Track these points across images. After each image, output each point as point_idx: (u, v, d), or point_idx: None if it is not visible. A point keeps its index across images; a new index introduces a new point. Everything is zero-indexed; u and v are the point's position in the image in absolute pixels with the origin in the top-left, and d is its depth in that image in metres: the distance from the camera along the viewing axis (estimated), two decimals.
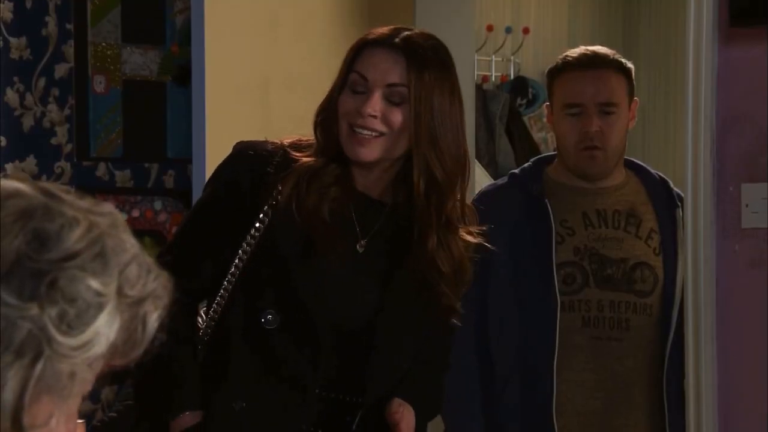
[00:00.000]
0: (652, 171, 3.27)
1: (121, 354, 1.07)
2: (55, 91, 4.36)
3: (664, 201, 3.18)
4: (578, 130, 3.04)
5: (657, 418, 3.12)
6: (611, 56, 3.12)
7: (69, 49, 4.38)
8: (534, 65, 5.60)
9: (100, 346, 1.05)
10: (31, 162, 4.30)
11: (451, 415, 3.03)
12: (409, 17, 3.55)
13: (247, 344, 2.32)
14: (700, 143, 3.46)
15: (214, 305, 2.37)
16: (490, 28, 5.53)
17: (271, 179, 2.33)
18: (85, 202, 1.08)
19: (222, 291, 2.36)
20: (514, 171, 3.17)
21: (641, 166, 3.26)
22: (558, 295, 2.99)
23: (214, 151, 3.00)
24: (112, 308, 1.05)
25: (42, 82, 4.34)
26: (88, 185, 4.35)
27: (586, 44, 6.38)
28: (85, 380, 1.06)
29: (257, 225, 2.32)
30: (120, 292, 1.06)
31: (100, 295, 1.04)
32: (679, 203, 3.17)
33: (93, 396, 4.39)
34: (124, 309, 1.06)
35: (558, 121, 3.08)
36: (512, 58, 5.57)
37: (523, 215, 3.03)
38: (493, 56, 5.51)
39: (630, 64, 3.18)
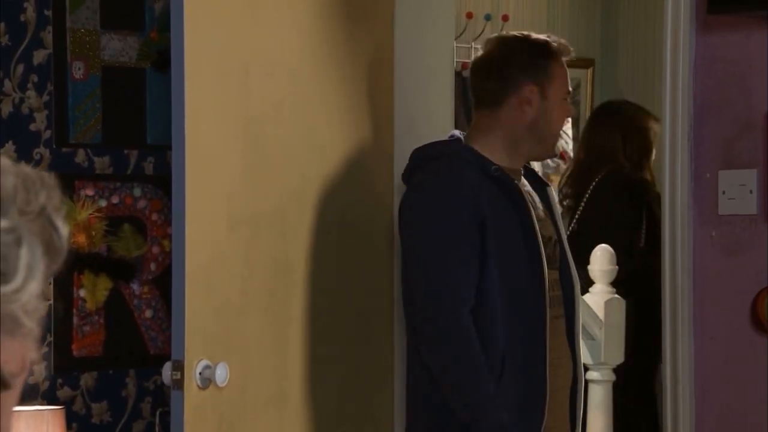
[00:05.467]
0: None
1: (51, 266, 1.08)
2: (34, 77, 4.35)
3: (533, 182, 3.25)
4: (566, 117, 3.21)
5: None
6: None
7: (47, 35, 4.37)
8: None
9: (38, 276, 1.06)
10: (9, 148, 4.29)
11: (472, 386, 3.02)
12: (389, 4, 3.56)
13: None
14: (677, 130, 3.48)
15: None
16: (469, 16, 5.54)
17: None
18: None
19: None
20: (450, 153, 3.11)
21: None
22: (546, 273, 3.06)
23: (194, 137, 3.00)
24: (26, 234, 1.06)
25: (20, 68, 4.32)
26: (67, 171, 4.34)
27: (564, 32, 6.37)
28: (38, 308, 1.07)
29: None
30: (22, 213, 1.06)
31: (12, 231, 1.05)
32: (549, 183, 3.31)
33: (72, 383, 4.39)
34: (32, 224, 1.07)
35: (555, 106, 3.12)
36: None
37: (496, 193, 3.06)
38: (473, 43, 5.52)
39: None
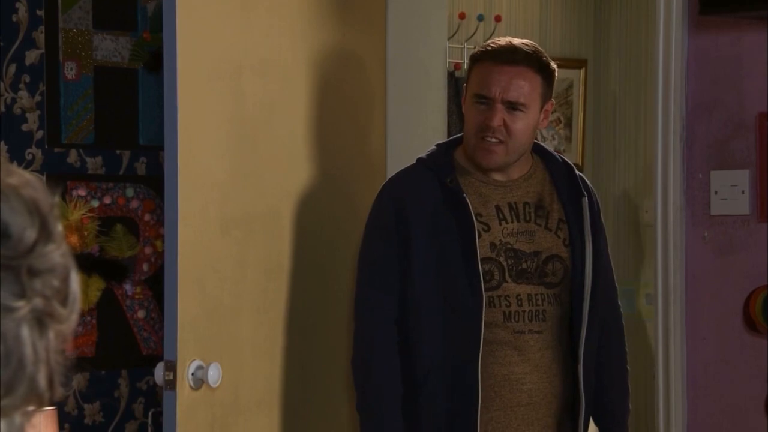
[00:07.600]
0: (557, 156, 3.21)
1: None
2: (26, 78, 4.35)
3: (568, 189, 3.13)
4: (482, 120, 3.03)
5: (571, 408, 3.12)
6: (533, 54, 3.04)
7: (40, 36, 4.37)
8: None
9: (78, 302, 1.10)
10: (2, 148, 4.29)
11: (369, 413, 3.05)
12: (381, 4, 3.56)
13: None
14: (669, 130, 3.48)
15: None
16: (462, 16, 5.54)
17: None
18: None
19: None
20: (421, 156, 3.12)
21: (546, 151, 3.21)
22: (483, 291, 2.99)
23: (187, 138, 3.00)
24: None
25: (12, 68, 4.32)
26: (59, 172, 4.34)
27: (557, 33, 6.36)
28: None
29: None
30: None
31: (65, 256, 1.08)
32: (586, 192, 3.13)
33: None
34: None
35: (467, 107, 3.07)
36: None
37: (443, 205, 3.03)
38: (466, 44, 5.52)
39: (554, 66, 3.09)
